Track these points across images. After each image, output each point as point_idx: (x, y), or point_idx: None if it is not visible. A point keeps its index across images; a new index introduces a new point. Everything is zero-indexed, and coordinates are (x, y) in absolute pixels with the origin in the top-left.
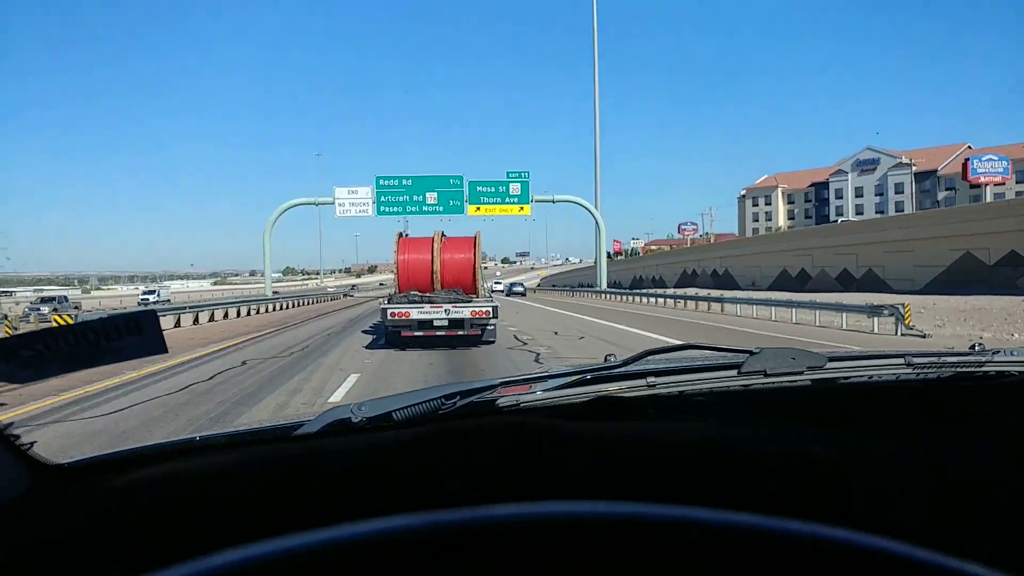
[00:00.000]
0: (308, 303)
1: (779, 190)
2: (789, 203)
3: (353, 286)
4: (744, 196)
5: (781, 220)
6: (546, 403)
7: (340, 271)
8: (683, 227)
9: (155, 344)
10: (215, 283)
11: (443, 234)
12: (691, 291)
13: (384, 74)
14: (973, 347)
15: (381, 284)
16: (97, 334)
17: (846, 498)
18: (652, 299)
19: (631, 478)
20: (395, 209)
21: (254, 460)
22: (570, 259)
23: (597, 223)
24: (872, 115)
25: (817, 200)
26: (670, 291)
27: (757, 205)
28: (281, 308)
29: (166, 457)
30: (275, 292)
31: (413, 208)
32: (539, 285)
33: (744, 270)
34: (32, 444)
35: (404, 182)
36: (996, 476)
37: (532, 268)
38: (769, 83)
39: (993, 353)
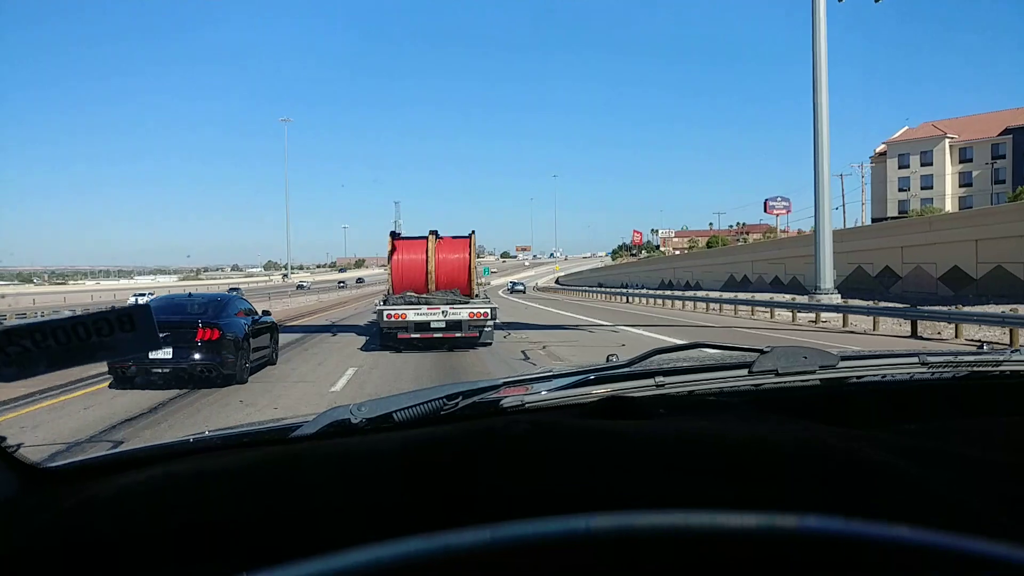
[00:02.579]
0: None
1: (945, 144)
2: (963, 161)
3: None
4: (882, 155)
5: (948, 186)
6: (552, 403)
7: (325, 265)
8: (771, 203)
9: (149, 340)
10: (182, 278)
11: (437, 234)
12: None
13: None
14: (980, 346)
15: (301, 286)
16: (88, 329)
17: (886, 489)
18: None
19: (651, 475)
20: None
21: (249, 465)
22: (596, 253)
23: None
24: None
25: (1017, 154)
26: None
27: (907, 167)
28: None
29: (159, 460)
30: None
31: None
32: (560, 282)
33: None
34: (19, 446)
35: None
36: None
37: (558, 260)
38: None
39: (1012, 352)
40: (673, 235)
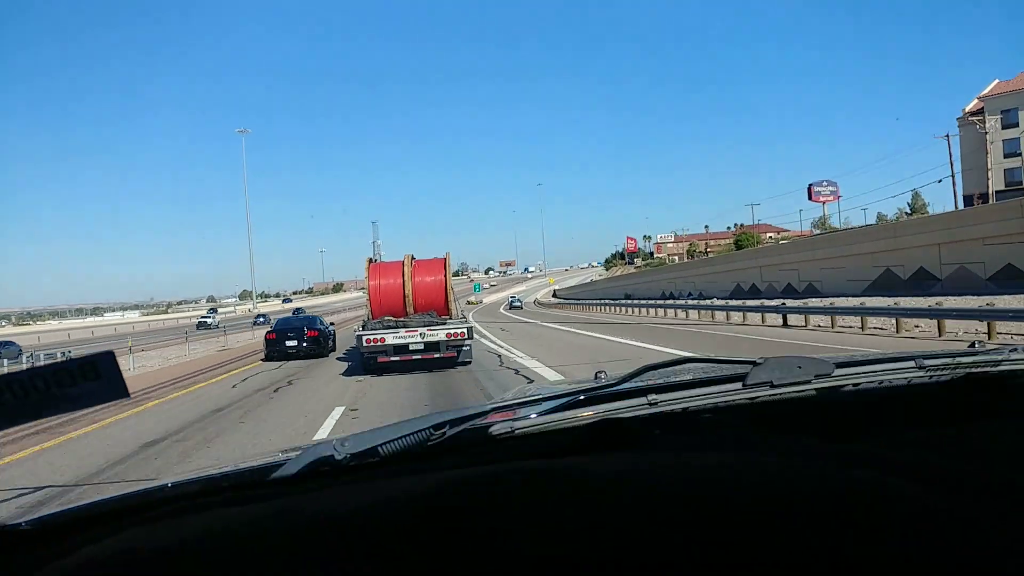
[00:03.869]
0: None
1: None
2: None
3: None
4: (975, 113)
5: None
6: (543, 428)
7: (302, 292)
8: (815, 188)
9: (115, 388)
10: (144, 314)
11: (413, 257)
12: None
13: None
14: (972, 345)
15: (204, 322)
16: (47, 381)
17: (893, 525)
18: None
19: (654, 534)
20: None
21: (227, 525)
22: (593, 263)
23: None
24: None
25: None
26: None
27: (1015, 124)
28: None
29: (136, 512)
30: None
31: None
32: (558, 295)
33: None
34: None
35: None
36: None
37: (551, 273)
38: None
39: (1010, 351)
40: (672, 239)
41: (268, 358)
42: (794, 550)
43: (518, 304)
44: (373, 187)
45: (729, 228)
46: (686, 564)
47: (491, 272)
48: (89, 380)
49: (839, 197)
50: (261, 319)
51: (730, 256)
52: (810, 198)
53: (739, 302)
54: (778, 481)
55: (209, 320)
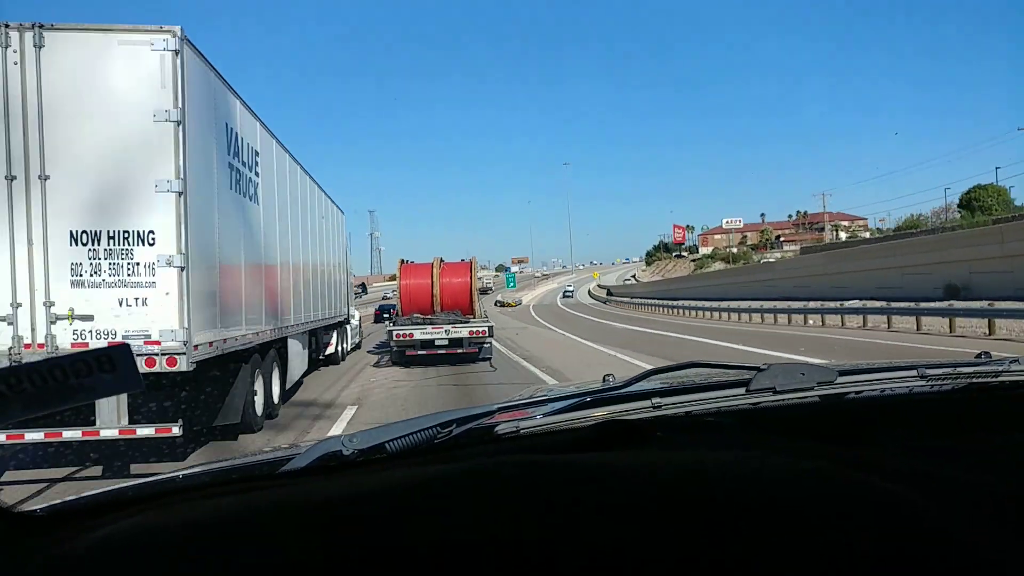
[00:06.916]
0: None
1: None
2: None
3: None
4: None
5: None
6: (548, 428)
7: None
8: None
9: (130, 380)
10: None
11: (442, 260)
12: None
13: None
14: (979, 356)
15: None
16: (65, 372)
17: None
18: None
19: (655, 526)
20: None
21: (235, 512)
22: (632, 259)
23: None
24: None
25: None
26: None
27: None
28: None
29: (145, 502)
30: None
31: None
32: (613, 293)
33: None
34: None
35: None
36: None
37: (595, 267)
38: None
39: (1011, 362)
40: (741, 224)
41: (376, 321)
42: (787, 548)
43: (570, 293)
44: (371, 177)
45: (790, 217)
46: (676, 557)
47: (506, 269)
48: (105, 371)
49: None
50: None
51: None
52: None
53: None
54: (773, 479)
55: None
